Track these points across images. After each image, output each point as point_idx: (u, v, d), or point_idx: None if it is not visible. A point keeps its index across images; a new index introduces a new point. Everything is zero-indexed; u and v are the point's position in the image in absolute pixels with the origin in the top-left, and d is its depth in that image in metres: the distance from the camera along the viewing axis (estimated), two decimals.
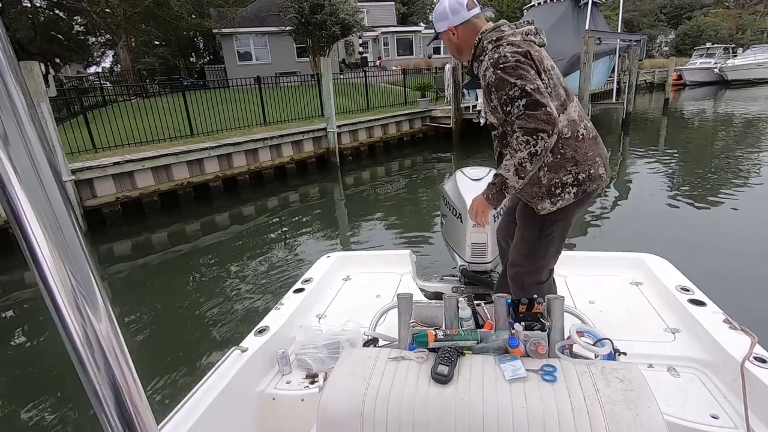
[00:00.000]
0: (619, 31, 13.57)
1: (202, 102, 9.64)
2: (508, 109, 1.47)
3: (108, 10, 16.24)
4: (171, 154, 7.46)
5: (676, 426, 1.37)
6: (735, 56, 26.34)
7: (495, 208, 1.66)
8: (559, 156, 1.58)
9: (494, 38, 1.56)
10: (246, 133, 9.26)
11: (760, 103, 18.17)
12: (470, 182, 2.61)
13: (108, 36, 27.99)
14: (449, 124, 12.27)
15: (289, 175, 9.42)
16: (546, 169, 1.60)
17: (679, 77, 25.22)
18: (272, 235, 6.69)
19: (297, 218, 7.36)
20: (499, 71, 1.47)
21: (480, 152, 11.82)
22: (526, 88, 1.43)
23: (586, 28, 10.88)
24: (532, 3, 13.60)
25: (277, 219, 7.38)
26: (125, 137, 8.23)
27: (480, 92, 11.26)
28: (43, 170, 0.41)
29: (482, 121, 11.43)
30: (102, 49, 31.96)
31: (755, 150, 9.69)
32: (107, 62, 34.81)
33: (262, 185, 8.93)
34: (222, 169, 8.26)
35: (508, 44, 1.51)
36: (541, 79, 1.51)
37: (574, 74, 10.34)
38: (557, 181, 1.60)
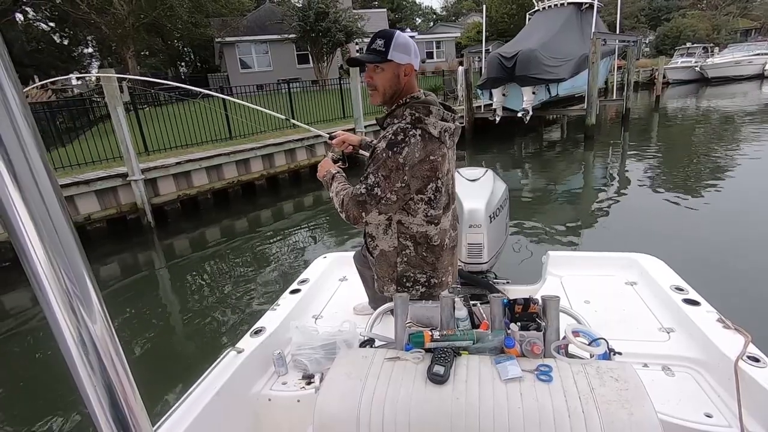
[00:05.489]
0: (617, 32, 14.52)
1: (220, 107, 9.97)
2: (364, 175, 1.46)
3: (119, 16, 16.52)
4: (223, 154, 7.94)
5: (671, 425, 1.38)
6: (713, 55, 27.85)
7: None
8: (420, 257, 1.57)
9: (417, 115, 1.42)
10: (279, 135, 9.75)
11: (739, 99, 19.31)
12: (467, 183, 2.58)
13: (93, 48, 28.23)
14: (462, 123, 12.92)
15: None
16: (405, 259, 1.57)
17: (663, 76, 26.53)
18: (303, 235, 6.95)
19: (328, 217, 7.63)
20: (389, 152, 1.38)
21: (491, 149, 12.50)
22: (376, 187, 1.41)
23: (593, 30, 11.73)
24: (536, 8, 14.48)
25: (310, 218, 7.71)
26: (170, 141, 8.67)
27: (495, 91, 12.03)
28: (38, 171, 0.41)
29: (497, 119, 12.14)
30: (89, 60, 32.16)
31: (743, 145, 10.11)
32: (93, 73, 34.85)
33: (299, 183, 9.44)
34: (265, 168, 8.77)
35: (420, 134, 1.40)
36: (426, 189, 1.47)
37: (582, 74, 11.17)
38: (411, 274, 1.59)
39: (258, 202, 8.51)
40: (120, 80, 6.89)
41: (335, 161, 1.74)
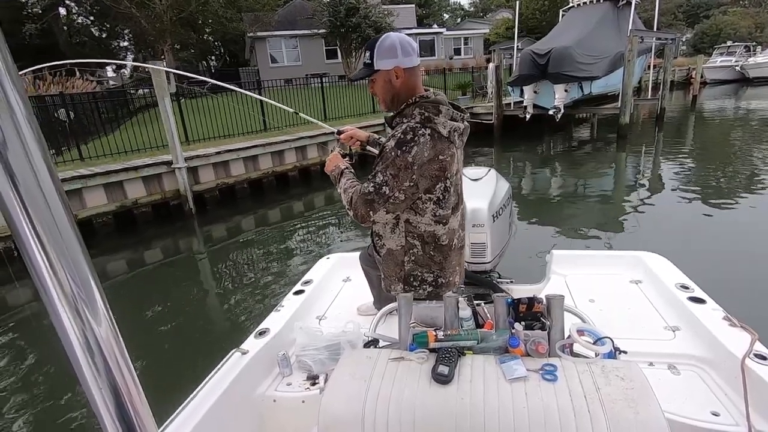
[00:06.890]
0: (655, 30, 14.18)
1: (256, 102, 10.22)
2: (372, 174, 1.44)
3: (157, 12, 17.12)
4: (259, 146, 8.23)
5: (678, 423, 1.37)
6: (755, 54, 26.74)
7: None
8: (428, 256, 1.56)
9: (426, 114, 1.41)
10: (313, 128, 9.99)
11: None
12: (470, 182, 2.56)
13: (128, 41, 29.28)
14: (490, 120, 12.87)
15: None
16: (412, 258, 1.57)
17: (701, 75, 25.66)
18: (332, 229, 6.99)
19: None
20: (398, 151, 1.37)
21: (519, 147, 12.42)
22: (384, 186, 1.40)
23: (630, 27, 11.51)
24: (571, 5, 14.26)
25: (339, 211, 7.68)
26: (208, 131, 9.03)
27: (526, 89, 11.94)
28: (41, 172, 0.41)
29: (528, 116, 12.07)
30: (124, 54, 33.35)
31: None
32: (127, 68, 36.00)
33: (327, 176, 9.64)
34: (298, 160, 9.03)
35: (429, 133, 1.39)
36: (435, 189, 1.46)
37: (617, 72, 10.97)
38: (418, 273, 1.59)
39: (290, 192, 8.79)
40: (167, 72, 7.23)
41: (343, 156, 1.72)
